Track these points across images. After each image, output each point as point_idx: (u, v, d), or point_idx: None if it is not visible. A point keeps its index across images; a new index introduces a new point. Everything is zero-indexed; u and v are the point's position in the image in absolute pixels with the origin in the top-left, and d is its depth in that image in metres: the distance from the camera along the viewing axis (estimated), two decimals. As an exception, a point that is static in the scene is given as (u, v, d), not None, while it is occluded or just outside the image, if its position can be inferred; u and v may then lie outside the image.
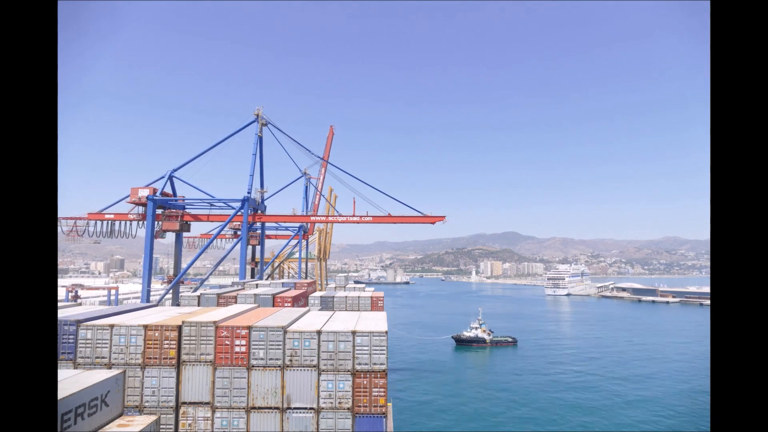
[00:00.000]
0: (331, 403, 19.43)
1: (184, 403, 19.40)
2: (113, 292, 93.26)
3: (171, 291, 57.47)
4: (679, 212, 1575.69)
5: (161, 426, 18.53)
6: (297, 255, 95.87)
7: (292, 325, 21.24)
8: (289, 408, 19.31)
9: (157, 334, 19.83)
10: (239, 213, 55.71)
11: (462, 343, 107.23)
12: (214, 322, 20.12)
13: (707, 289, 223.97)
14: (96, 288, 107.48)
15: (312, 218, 76.88)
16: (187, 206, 58.26)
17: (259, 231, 72.79)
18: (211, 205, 58.77)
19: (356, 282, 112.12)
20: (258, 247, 76.98)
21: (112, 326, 19.95)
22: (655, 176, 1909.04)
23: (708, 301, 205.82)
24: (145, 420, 14.47)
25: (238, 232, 66.81)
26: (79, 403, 12.45)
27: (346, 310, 34.20)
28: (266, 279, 76.58)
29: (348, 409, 19.41)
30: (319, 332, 20.09)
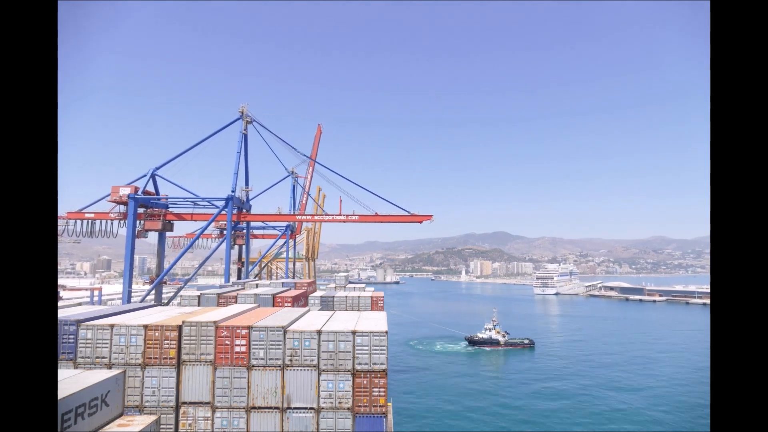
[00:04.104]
0: (331, 403, 19.43)
1: (185, 402, 19.40)
2: (96, 293, 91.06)
3: (154, 291, 56.68)
4: (667, 212, 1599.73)
5: (161, 426, 18.53)
6: (285, 255, 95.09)
7: (292, 325, 21.24)
8: (289, 408, 19.31)
9: (157, 334, 19.84)
10: (223, 212, 55.21)
11: (475, 344, 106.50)
12: (214, 322, 20.12)
13: (693, 287, 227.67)
14: (79, 289, 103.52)
15: (297, 217, 75.96)
16: (170, 205, 57.19)
17: (244, 231, 72.51)
18: (195, 204, 57.70)
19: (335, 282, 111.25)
20: (245, 247, 76.66)
21: (112, 326, 19.96)
22: (643, 173, 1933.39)
23: (694, 300, 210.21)
24: (146, 420, 14.46)
25: (225, 232, 66.32)
26: (79, 403, 12.45)
27: (346, 310, 34.19)
28: (253, 279, 76.46)
29: (348, 409, 19.41)
30: (319, 332, 20.09)
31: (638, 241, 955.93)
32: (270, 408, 19.29)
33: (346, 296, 36.02)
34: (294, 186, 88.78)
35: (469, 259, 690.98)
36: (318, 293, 40.56)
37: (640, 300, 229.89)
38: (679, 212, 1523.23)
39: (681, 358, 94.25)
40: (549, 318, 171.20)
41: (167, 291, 77.51)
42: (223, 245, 58.81)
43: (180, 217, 58.03)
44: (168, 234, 61.86)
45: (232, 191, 55.59)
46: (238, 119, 59.24)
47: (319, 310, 32.54)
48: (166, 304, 45.56)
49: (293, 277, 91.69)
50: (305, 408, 19.33)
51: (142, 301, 51.89)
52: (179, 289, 68.30)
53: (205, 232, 70.72)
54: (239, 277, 75.98)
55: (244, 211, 61.22)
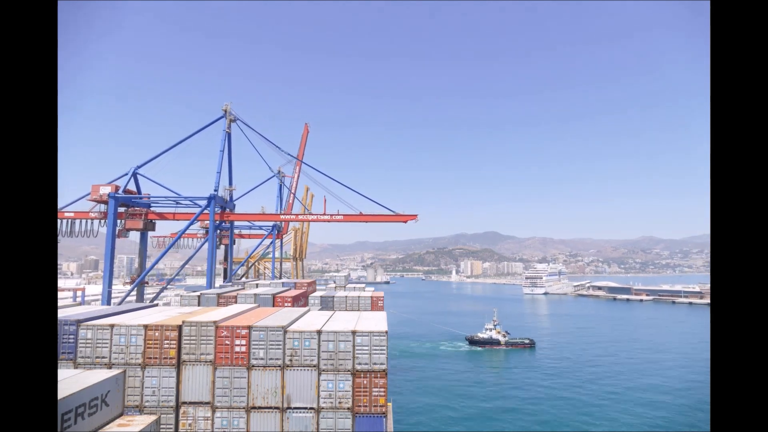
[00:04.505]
0: (331, 402, 19.43)
1: (185, 402, 19.41)
2: (79, 293, 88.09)
3: (135, 292, 56.03)
4: (655, 212, 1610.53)
5: (161, 426, 18.53)
6: (271, 255, 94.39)
7: (292, 325, 21.24)
8: (289, 408, 19.31)
9: (157, 334, 19.85)
10: (205, 211, 54.68)
11: (476, 344, 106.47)
12: (215, 322, 20.13)
13: (679, 287, 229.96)
14: (62, 289, 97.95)
15: (281, 217, 75.29)
16: (152, 204, 56.46)
17: (229, 230, 72.26)
18: (177, 203, 56.85)
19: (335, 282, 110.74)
20: (230, 247, 76.29)
21: (112, 326, 19.97)
22: (635, 174, 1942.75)
23: (680, 299, 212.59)
24: (146, 420, 14.46)
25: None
26: (79, 403, 12.45)
27: (346, 310, 34.22)
28: (240, 279, 76.03)
29: (348, 408, 19.41)
30: (319, 332, 20.09)
31: (627, 241, 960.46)
32: (270, 408, 19.30)
33: (346, 296, 36.06)
34: (281, 186, 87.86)
35: (459, 259, 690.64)
36: (318, 293, 40.61)
37: (627, 299, 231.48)
38: (669, 213, 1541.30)
39: (678, 355, 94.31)
40: (539, 317, 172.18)
41: (150, 291, 76.92)
42: (207, 245, 58.29)
43: (162, 216, 57.21)
44: (153, 234, 61.22)
45: (215, 190, 54.98)
46: (222, 117, 58.82)
47: (319, 310, 32.56)
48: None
49: (280, 277, 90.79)
50: (305, 408, 19.34)
51: (121, 302, 51.08)
52: (161, 290, 68.31)
53: (192, 231, 69.27)
54: (225, 278, 75.65)
55: (227, 210, 60.73)
